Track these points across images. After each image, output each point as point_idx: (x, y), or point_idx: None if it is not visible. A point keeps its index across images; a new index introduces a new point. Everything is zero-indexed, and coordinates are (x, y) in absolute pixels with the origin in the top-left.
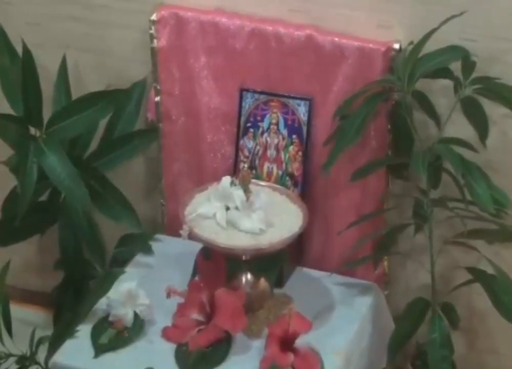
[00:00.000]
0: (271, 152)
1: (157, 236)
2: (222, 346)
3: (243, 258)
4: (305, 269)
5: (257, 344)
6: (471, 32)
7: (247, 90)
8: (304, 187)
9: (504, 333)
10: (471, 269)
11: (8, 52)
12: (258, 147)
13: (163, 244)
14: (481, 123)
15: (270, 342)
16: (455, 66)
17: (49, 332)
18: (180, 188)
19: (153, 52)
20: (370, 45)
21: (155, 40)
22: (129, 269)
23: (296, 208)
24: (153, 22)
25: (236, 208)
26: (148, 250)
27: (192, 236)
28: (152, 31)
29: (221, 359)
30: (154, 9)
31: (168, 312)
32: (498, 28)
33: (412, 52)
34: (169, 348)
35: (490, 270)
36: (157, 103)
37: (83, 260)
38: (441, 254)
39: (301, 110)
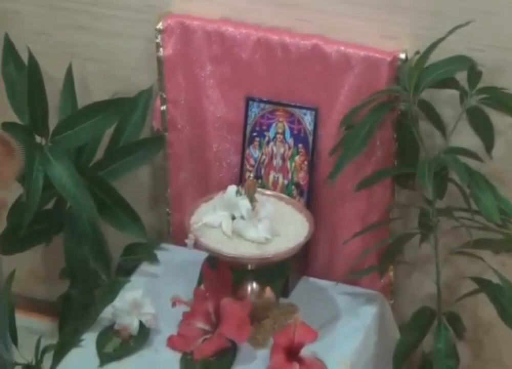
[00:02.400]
0: (276, 161)
1: (163, 245)
2: (227, 355)
3: (249, 267)
4: (311, 279)
5: (263, 354)
6: (478, 42)
7: (253, 99)
8: (310, 197)
9: (509, 344)
10: (476, 279)
11: (14, 61)
12: (264, 156)
13: (169, 253)
14: (486, 133)
15: (275, 351)
16: (462, 76)
17: (54, 341)
18: (186, 198)
19: (159, 61)
20: (377, 55)
21: (161, 49)
22: (135, 278)
23: (301, 217)
24: (159, 31)
25: (242, 217)
26: (153, 259)
27: (197, 245)
28: (158, 40)
29: (227, 368)
30: (160, 19)
31: (173, 321)
32: (506, 39)
33: (418, 62)
34: (174, 357)
35: (496, 280)
36: (163, 112)
37: (89, 269)
38: (446, 264)
39: (307, 120)
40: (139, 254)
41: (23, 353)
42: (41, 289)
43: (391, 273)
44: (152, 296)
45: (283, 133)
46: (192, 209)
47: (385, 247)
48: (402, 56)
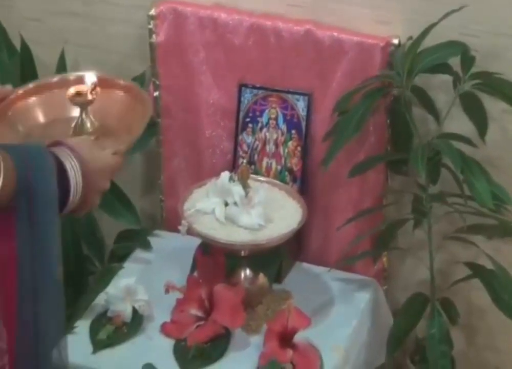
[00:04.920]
0: (270, 147)
1: (156, 231)
2: (221, 341)
3: (242, 253)
4: (304, 265)
5: (256, 340)
6: (472, 27)
7: (246, 85)
8: (303, 183)
9: (503, 329)
10: (470, 265)
11: (6, 47)
12: (257, 142)
13: (162, 240)
14: (480, 119)
15: (269, 337)
16: (455, 62)
17: None
18: (179, 184)
19: (152, 47)
20: (369, 40)
21: (153, 35)
22: (128, 265)
23: (295, 203)
24: (152, 17)
25: (235, 203)
26: (146, 246)
27: (190, 232)
28: (150, 26)
29: (220, 354)
30: (153, 5)
31: (166, 308)
32: (500, 24)
33: (411, 47)
34: (167, 344)
35: (489, 265)
36: (156, 98)
37: (82, 255)
38: (440, 250)
39: (300, 106)
40: (132, 241)
41: None
42: None
43: (384, 259)
44: (145, 283)
45: (276, 119)
46: (185, 196)
47: (378, 233)
48: (395, 41)
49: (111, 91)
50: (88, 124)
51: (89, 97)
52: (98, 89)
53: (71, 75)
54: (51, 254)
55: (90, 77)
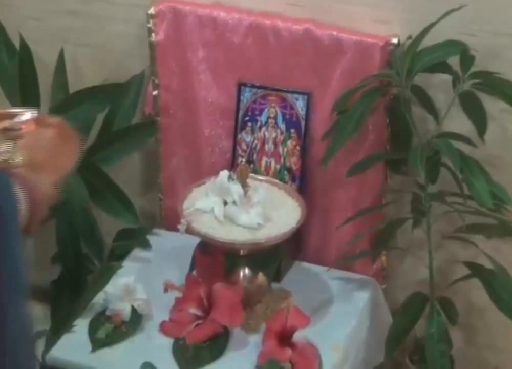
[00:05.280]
0: (269, 146)
1: (155, 230)
2: (220, 340)
3: (241, 252)
4: (303, 264)
5: (255, 339)
6: (471, 26)
7: (245, 84)
8: (302, 182)
9: (502, 329)
10: (469, 264)
11: (6, 46)
12: (256, 141)
13: (161, 239)
14: (479, 118)
15: (268, 336)
16: (454, 61)
17: (46, 326)
18: (178, 183)
19: (151, 46)
20: (369, 39)
21: (153, 34)
22: (127, 264)
23: (294, 202)
24: (151, 16)
25: (234, 202)
26: (145, 245)
27: (189, 231)
28: (150, 25)
29: (219, 353)
30: (152, 3)
31: (165, 306)
32: (499, 23)
33: (410, 47)
34: (166, 343)
35: (488, 265)
36: (155, 97)
37: (81, 254)
38: (439, 249)
39: (299, 105)
40: (131, 239)
41: None
42: (33, 275)
43: (383, 258)
44: (144, 282)
45: (275, 118)
46: (184, 195)
47: (377, 232)
48: (394, 40)
49: (42, 128)
50: (18, 159)
51: (20, 131)
52: (31, 125)
53: (6, 110)
54: (20, 278)
55: (23, 114)
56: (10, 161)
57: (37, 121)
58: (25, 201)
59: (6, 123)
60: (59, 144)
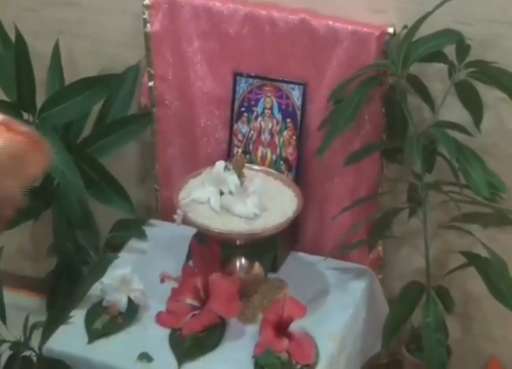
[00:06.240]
0: (265, 136)
1: (151, 221)
2: (216, 331)
3: (238, 242)
4: (299, 254)
5: (252, 329)
6: (467, 15)
7: (241, 74)
8: (298, 172)
9: (498, 317)
10: (465, 253)
11: (1, 37)
12: (252, 131)
13: (157, 229)
14: (475, 107)
15: (264, 327)
16: (450, 50)
17: (43, 317)
18: (174, 173)
19: (147, 37)
20: (364, 29)
21: (148, 25)
22: (123, 255)
23: (290, 192)
24: (147, 6)
25: (230, 193)
26: (142, 235)
27: (186, 221)
28: (145, 16)
29: (216, 344)
30: None
31: (162, 297)
32: (494, 12)
33: (406, 36)
34: (163, 333)
35: (484, 254)
36: (150, 88)
37: (77, 245)
38: (435, 238)
39: (295, 95)
40: (127, 230)
41: (12, 330)
42: (29, 266)
43: (380, 248)
44: (140, 273)
45: (271, 108)
46: (180, 185)
47: (373, 221)
48: (390, 30)
49: (12, 134)
50: None
51: None
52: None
53: None
54: None
55: None
56: None
57: (7, 125)
58: None
59: None
60: (27, 151)
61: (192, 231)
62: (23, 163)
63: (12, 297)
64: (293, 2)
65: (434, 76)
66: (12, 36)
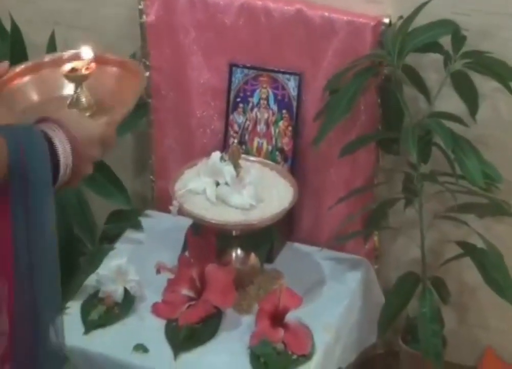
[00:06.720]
0: (260, 127)
1: (147, 211)
2: (212, 321)
3: (234, 233)
4: (295, 244)
5: (248, 320)
6: (462, 5)
7: (237, 65)
8: (294, 162)
9: (494, 308)
10: (461, 244)
11: None
12: (248, 122)
13: (153, 220)
14: (471, 97)
15: (260, 317)
16: (446, 41)
17: None
18: (170, 164)
19: (143, 28)
20: (360, 19)
21: (144, 16)
22: (119, 245)
23: (286, 183)
24: None
25: (226, 183)
26: (137, 226)
27: (181, 212)
28: (141, 6)
29: (212, 334)
30: None
31: (158, 288)
32: (490, 2)
33: (402, 26)
34: (159, 324)
35: (480, 244)
36: (146, 78)
37: (73, 236)
38: (431, 229)
39: (291, 85)
40: (123, 221)
41: None
42: None
43: (375, 238)
44: (136, 264)
45: (267, 99)
46: (176, 176)
47: (369, 212)
48: (386, 20)
49: (106, 67)
50: (83, 100)
51: (84, 72)
52: (93, 65)
53: (66, 53)
54: (47, 233)
55: (86, 53)
56: (75, 105)
57: (99, 59)
58: (68, 151)
59: (69, 66)
60: (124, 81)
61: (188, 222)
62: (121, 93)
63: None
64: None
65: (430, 66)
66: (8, 26)
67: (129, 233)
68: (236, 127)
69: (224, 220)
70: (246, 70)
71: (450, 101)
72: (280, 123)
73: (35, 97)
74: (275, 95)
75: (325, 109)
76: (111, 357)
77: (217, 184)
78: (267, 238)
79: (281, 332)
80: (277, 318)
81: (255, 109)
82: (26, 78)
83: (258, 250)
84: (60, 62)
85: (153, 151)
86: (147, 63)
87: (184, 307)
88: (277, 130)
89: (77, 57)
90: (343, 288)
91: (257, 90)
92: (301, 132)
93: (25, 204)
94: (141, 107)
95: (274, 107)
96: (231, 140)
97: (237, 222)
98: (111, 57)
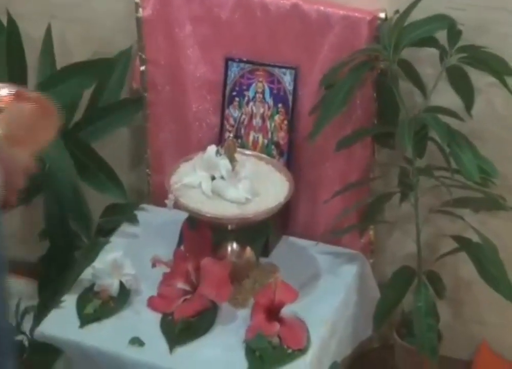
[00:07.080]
0: (256, 121)
1: (143, 205)
2: (208, 315)
3: (229, 227)
4: (291, 238)
5: (243, 314)
6: (459, 0)
7: (233, 59)
8: (290, 156)
9: (489, 302)
10: (457, 238)
11: None
12: (243, 116)
13: (148, 214)
14: (466, 92)
15: (256, 311)
16: (441, 35)
17: (34, 302)
18: (166, 158)
19: (139, 21)
20: (356, 14)
21: (140, 10)
22: (115, 239)
23: (281, 177)
24: None
25: (222, 177)
26: (133, 220)
27: (177, 206)
28: (137, 0)
29: (207, 328)
30: None
31: (153, 282)
32: None
33: (398, 21)
34: (154, 318)
35: (476, 238)
36: (142, 72)
37: (68, 230)
38: (426, 223)
39: (287, 79)
40: (118, 215)
41: None
42: (21, 251)
43: (371, 233)
44: (132, 257)
45: (262, 93)
46: (172, 170)
47: (365, 206)
48: (382, 15)
49: (22, 102)
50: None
51: (0, 105)
52: (9, 99)
53: None
54: None
55: (2, 88)
56: None
57: (16, 95)
58: (1, 172)
59: None
60: (38, 118)
61: (183, 216)
62: (36, 131)
63: None
64: None
65: (426, 61)
66: (4, 20)
67: (125, 227)
68: (232, 121)
69: (219, 213)
70: (241, 65)
71: (446, 96)
72: (276, 117)
73: None
74: (271, 89)
75: (321, 103)
76: (106, 351)
77: (213, 178)
78: (262, 232)
79: (276, 326)
80: (272, 312)
81: (251, 103)
82: None
83: (254, 244)
84: None
85: (149, 145)
86: (143, 57)
87: (179, 301)
88: (272, 125)
89: None
90: (338, 282)
91: (253, 85)
92: (297, 126)
93: None
94: (137, 101)
95: (270, 101)
96: (227, 134)
97: (232, 216)
98: (29, 95)
